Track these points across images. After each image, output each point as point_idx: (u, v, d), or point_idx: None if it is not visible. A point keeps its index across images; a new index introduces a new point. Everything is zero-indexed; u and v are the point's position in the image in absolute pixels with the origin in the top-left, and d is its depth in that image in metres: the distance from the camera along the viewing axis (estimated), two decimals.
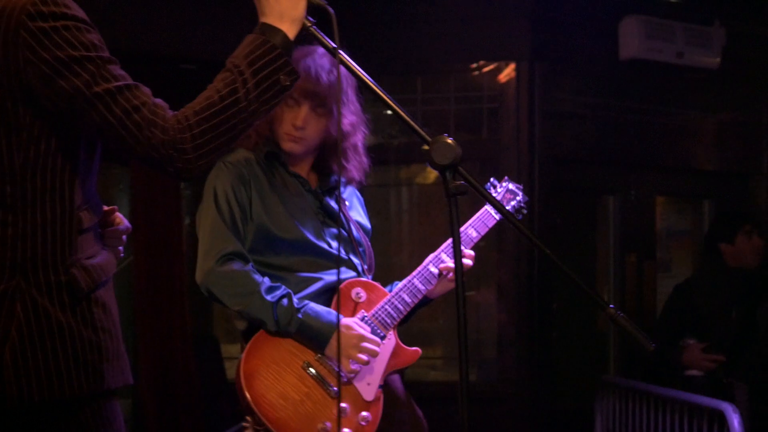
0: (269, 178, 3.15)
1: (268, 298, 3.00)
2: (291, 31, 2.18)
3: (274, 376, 2.99)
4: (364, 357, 3.05)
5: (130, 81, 2.04)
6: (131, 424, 5.75)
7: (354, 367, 3.05)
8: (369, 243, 3.33)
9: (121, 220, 2.31)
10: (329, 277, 3.14)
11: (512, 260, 6.05)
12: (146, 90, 2.06)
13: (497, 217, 3.25)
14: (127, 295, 5.73)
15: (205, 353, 5.47)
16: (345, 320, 3.07)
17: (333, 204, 3.23)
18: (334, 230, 3.19)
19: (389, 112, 2.20)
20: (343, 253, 3.20)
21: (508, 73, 6.11)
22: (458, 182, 2.10)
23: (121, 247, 2.31)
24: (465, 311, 2.06)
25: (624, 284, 6.60)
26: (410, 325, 6.02)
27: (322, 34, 2.27)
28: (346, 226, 3.23)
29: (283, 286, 3.05)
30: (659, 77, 6.54)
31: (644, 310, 6.61)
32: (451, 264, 3.17)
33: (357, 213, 3.34)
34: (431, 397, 4.54)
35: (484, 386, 6.13)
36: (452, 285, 3.22)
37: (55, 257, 2.05)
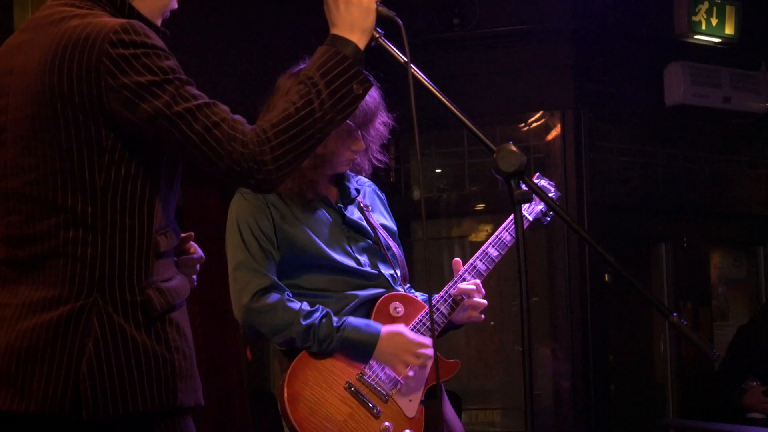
0: (288, 201, 3.13)
1: (307, 323, 3.00)
2: (361, 42, 2.22)
3: (317, 398, 3.01)
4: (420, 360, 3.05)
5: (208, 99, 2.10)
6: None
7: (410, 372, 3.05)
8: (398, 246, 3.29)
9: (196, 249, 2.34)
10: (363, 293, 3.13)
11: (565, 310, 6.00)
12: (224, 107, 2.11)
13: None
14: None
15: (263, 411, 5.44)
16: (394, 327, 3.07)
17: (355, 215, 3.21)
18: (363, 243, 3.19)
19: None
20: (369, 266, 3.16)
21: (554, 123, 6.12)
22: (523, 190, 2.11)
23: (194, 276, 2.33)
24: (529, 315, 2.04)
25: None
26: (468, 383, 5.99)
27: (390, 45, 2.29)
28: (373, 235, 3.21)
29: (321, 306, 3.05)
30: (706, 123, 6.52)
31: (702, 359, 6.51)
32: (466, 286, 3.13)
33: (380, 214, 3.31)
34: None
35: None
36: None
37: (132, 278, 2.09)
